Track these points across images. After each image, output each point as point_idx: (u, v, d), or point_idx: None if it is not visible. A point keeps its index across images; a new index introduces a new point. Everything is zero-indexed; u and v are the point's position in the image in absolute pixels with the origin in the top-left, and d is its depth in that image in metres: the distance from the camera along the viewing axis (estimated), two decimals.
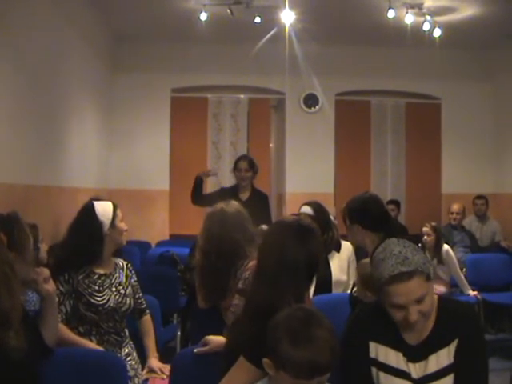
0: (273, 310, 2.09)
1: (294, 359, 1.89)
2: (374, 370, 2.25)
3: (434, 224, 5.96)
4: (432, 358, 2.18)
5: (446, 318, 2.21)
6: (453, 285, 5.93)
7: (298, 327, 1.94)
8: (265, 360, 1.99)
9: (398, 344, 2.24)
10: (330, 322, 2.01)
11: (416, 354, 2.21)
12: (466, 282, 5.89)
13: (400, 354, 2.22)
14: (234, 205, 3.52)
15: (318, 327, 1.94)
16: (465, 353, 2.17)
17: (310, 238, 2.36)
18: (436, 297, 2.28)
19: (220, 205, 3.50)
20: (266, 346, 1.99)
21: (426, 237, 5.87)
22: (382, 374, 2.24)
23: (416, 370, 2.19)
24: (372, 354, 2.26)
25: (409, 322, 2.13)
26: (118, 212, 3.31)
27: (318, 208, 4.40)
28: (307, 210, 4.35)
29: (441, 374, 2.18)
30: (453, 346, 2.18)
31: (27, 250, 3.12)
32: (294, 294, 2.24)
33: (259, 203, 5.71)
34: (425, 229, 5.91)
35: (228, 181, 7.67)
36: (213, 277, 3.31)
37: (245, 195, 5.82)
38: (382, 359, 2.24)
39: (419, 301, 2.13)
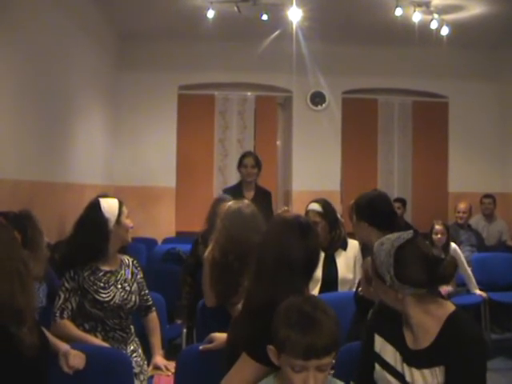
0: (273, 307, 2.11)
1: (292, 338, 1.92)
2: (375, 364, 2.30)
3: (441, 224, 5.94)
4: (426, 373, 2.16)
5: (447, 339, 2.15)
6: (459, 284, 5.91)
7: (298, 310, 1.99)
8: (269, 347, 2.02)
9: (397, 343, 2.26)
10: (333, 309, 2.04)
11: (411, 359, 2.20)
12: (474, 280, 5.88)
13: (397, 354, 2.25)
14: (249, 205, 3.60)
15: (318, 311, 1.98)
16: (456, 380, 2.11)
17: (309, 235, 2.38)
18: (449, 311, 2.21)
19: (236, 204, 3.55)
20: (270, 334, 2.01)
21: (439, 235, 5.82)
22: (379, 369, 2.28)
23: (411, 375, 2.19)
24: (376, 348, 2.31)
25: None
26: (124, 209, 3.31)
27: (326, 205, 4.40)
28: (316, 207, 4.35)
29: None
30: (442, 369, 2.13)
31: (40, 248, 3.14)
32: (293, 290, 2.24)
33: (264, 201, 5.68)
34: (438, 227, 5.85)
35: (234, 178, 7.67)
36: (228, 276, 3.33)
37: (250, 194, 5.76)
38: (382, 354, 2.28)
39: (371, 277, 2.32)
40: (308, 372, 1.92)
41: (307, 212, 4.35)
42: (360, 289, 3.07)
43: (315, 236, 2.44)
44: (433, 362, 2.15)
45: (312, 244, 2.37)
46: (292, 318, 1.96)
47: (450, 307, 2.24)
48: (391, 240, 2.25)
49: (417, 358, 2.18)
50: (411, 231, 2.26)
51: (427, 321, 2.20)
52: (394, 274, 2.17)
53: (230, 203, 3.68)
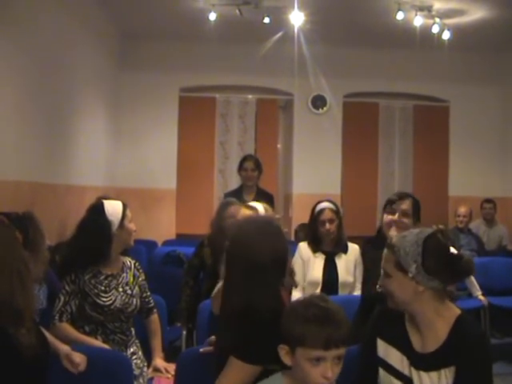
0: (253, 308, 2.18)
1: (312, 330, 1.97)
2: (379, 368, 2.30)
3: (440, 227, 5.91)
4: (433, 375, 2.17)
5: (456, 342, 2.17)
6: (460, 288, 5.90)
7: (313, 305, 2.04)
8: (281, 346, 2.05)
9: (404, 347, 2.26)
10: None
11: (419, 362, 2.21)
12: (476, 284, 5.85)
13: (404, 358, 2.25)
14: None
15: (330, 304, 2.06)
16: (466, 380, 2.13)
17: (274, 234, 2.41)
18: (457, 313, 2.25)
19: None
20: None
21: None
22: (384, 373, 2.28)
23: (419, 378, 2.20)
24: (379, 353, 2.31)
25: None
26: (128, 212, 3.27)
27: (336, 205, 4.49)
28: (331, 205, 4.42)
29: None
30: (451, 370, 2.15)
31: (41, 250, 3.13)
32: (268, 289, 2.28)
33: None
34: None
35: (235, 181, 7.69)
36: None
37: (250, 196, 5.76)
38: (387, 359, 2.28)
39: (384, 274, 2.28)
40: (326, 363, 1.97)
41: (322, 210, 4.37)
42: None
43: (281, 234, 2.46)
44: (441, 365, 2.16)
45: (278, 242, 2.39)
46: (309, 313, 2.01)
47: (456, 310, 2.26)
48: (414, 233, 2.28)
49: (425, 362, 2.19)
50: (433, 227, 2.31)
51: (437, 321, 2.22)
52: (422, 264, 2.18)
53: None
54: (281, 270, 2.39)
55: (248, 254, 2.30)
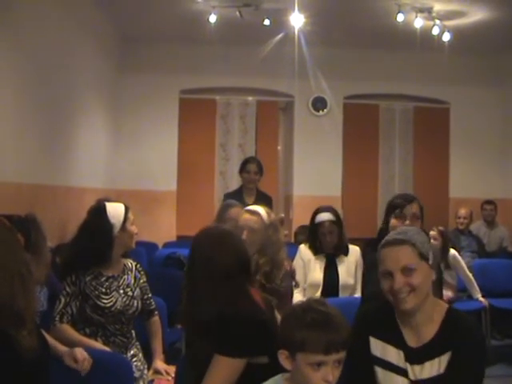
0: (227, 314, 2.28)
1: (312, 335, 1.96)
2: (375, 367, 2.32)
3: (441, 228, 5.91)
4: (427, 365, 2.22)
5: (449, 329, 2.24)
6: (460, 289, 5.90)
7: (312, 310, 2.03)
8: (281, 351, 2.05)
9: (398, 344, 2.29)
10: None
11: (414, 356, 2.25)
12: (476, 284, 5.84)
13: (401, 352, 2.27)
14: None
15: (329, 308, 2.05)
16: (458, 366, 2.18)
17: (231, 239, 2.50)
18: (446, 306, 2.33)
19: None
20: (280, 339, 2.07)
21: (432, 241, 5.79)
22: (382, 371, 2.30)
23: (413, 371, 2.24)
24: (374, 352, 2.32)
25: (394, 291, 2.21)
26: (130, 215, 3.27)
27: (336, 213, 4.47)
28: (330, 216, 4.39)
29: (432, 381, 2.21)
30: (446, 357, 2.20)
31: (43, 252, 3.13)
32: (237, 292, 2.38)
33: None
34: (432, 233, 5.84)
35: (235, 183, 7.68)
36: None
37: (251, 198, 5.77)
38: (383, 356, 2.30)
39: (406, 271, 2.22)
40: (327, 367, 1.96)
41: (322, 223, 4.37)
42: None
43: (237, 238, 2.57)
44: (436, 354, 2.21)
45: (239, 247, 2.49)
46: (308, 318, 2.00)
47: (444, 303, 2.38)
48: (409, 228, 2.42)
49: (420, 355, 2.23)
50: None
51: (432, 314, 2.28)
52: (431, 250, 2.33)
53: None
54: (245, 269, 2.48)
55: (212, 263, 2.38)
